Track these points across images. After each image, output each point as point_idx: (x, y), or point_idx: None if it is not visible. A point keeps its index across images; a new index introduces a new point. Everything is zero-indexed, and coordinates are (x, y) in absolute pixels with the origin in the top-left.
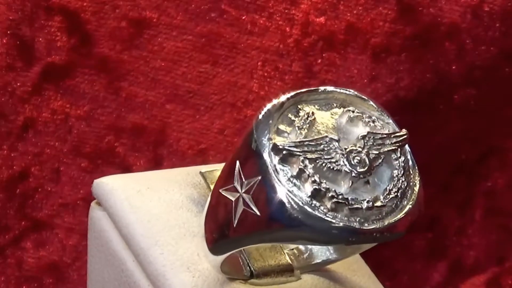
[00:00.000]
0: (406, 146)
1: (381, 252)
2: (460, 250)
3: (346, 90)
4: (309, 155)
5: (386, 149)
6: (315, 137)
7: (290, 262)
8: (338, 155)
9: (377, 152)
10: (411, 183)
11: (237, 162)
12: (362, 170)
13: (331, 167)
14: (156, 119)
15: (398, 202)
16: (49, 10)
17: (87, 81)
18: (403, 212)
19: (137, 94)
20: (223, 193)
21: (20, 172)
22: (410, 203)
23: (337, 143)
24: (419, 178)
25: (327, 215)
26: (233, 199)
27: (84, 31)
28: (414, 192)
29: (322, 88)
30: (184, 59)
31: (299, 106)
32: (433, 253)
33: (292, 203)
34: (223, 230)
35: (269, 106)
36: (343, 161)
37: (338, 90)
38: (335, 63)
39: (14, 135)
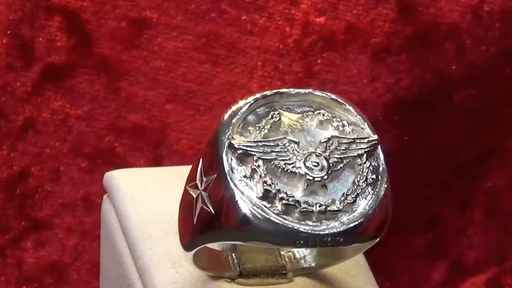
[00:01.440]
0: (379, 151)
1: (381, 252)
2: (460, 250)
3: (323, 93)
4: (264, 156)
5: (350, 154)
6: (273, 138)
7: (284, 264)
8: (295, 157)
9: (340, 156)
10: (376, 190)
11: (200, 160)
12: (318, 173)
13: (286, 169)
14: (156, 119)
15: (356, 208)
16: (49, 10)
17: (87, 81)
18: (360, 218)
19: (137, 94)
20: (188, 190)
21: (20, 172)
22: (371, 209)
23: (296, 145)
24: (386, 186)
25: (277, 216)
26: (194, 196)
27: (84, 31)
28: (379, 198)
29: (297, 90)
30: (184, 59)
31: (269, 107)
32: (433, 253)
33: (243, 203)
34: (187, 227)
35: (236, 106)
36: (299, 164)
37: (315, 92)
38: (335, 63)
39: (14, 135)
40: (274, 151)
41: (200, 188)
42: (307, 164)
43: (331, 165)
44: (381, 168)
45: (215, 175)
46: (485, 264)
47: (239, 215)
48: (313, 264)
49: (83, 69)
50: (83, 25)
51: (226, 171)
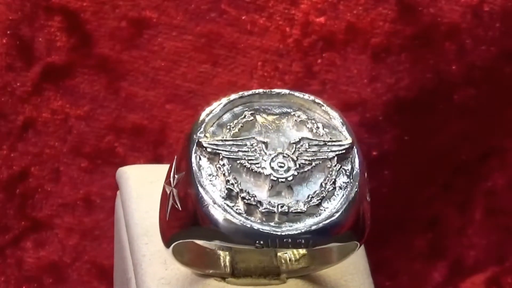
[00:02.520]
0: (356, 155)
1: (381, 252)
2: (460, 250)
3: (303, 95)
4: (229, 155)
5: (320, 156)
6: (241, 137)
7: (278, 265)
8: (261, 158)
9: (309, 158)
10: (346, 194)
11: (175, 157)
12: (283, 174)
13: (251, 169)
14: (156, 119)
15: (322, 211)
16: (49, 10)
17: (87, 81)
18: (324, 221)
19: (137, 94)
20: (165, 186)
21: (20, 172)
22: (337, 213)
23: (264, 146)
24: (357, 190)
25: (238, 216)
26: (168, 192)
27: (84, 31)
28: (347, 202)
29: (277, 90)
30: (184, 59)
31: (247, 107)
32: (433, 253)
33: (205, 201)
34: (162, 223)
35: (213, 105)
36: (265, 164)
37: (295, 94)
38: (335, 63)
39: (14, 135)
40: (241, 151)
41: (172, 185)
42: (273, 164)
43: (298, 166)
44: (355, 172)
45: (184, 173)
46: (485, 264)
47: (202, 213)
48: (307, 267)
49: (83, 69)
50: (83, 25)
51: (193, 169)
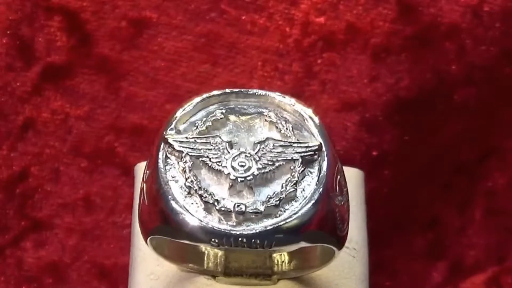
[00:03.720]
0: (325, 157)
1: (381, 252)
2: (460, 250)
3: (280, 95)
4: (192, 152)
5: (284, 157)
6: (207, 135)
7: (270, 266)
8: (223, 156)
9: (273, 159)
10: (308, 196)
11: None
12: (242, 173)
13: (213, 167)
14: (156, 119)
15: (281, 212)
16: (49, 10)
17: (87, 81)
18: (281, 222)
19: (137, 94)
20: (141, 182)
21: (19, 172)
22: (295, 215)
23: (227, 144)
24: (321, 192)
25: (195, 213)
26: (140, 187)
27: (84, 31)
28: (309, 205)
29: (255, 90)
30: (184, 59)
31: (222, 106)
32: (433, 253)
33: (166, 198)
34: (138, 218)
35: (189, 102)
36: (226, 163)
37: (271, 94)
38: (335, 63)
39: (14, 135)
40: (204, 149)
41: (144, 180)
42: (233, 163)
43: (260, 166)
44: (321, 174)
45: (152, 169)
46: (485, 264)
47: (163, 209)
48: (298, 269)
49: (83, 69)
50: (83, 25)
51: (158, 165)
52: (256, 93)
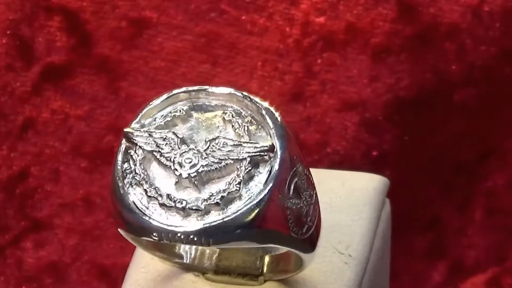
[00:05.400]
0: (277, 159)
1: None
2: (460, 250)
3: (244, 95)
4: (145, 146)
5: (233, 156)
6: (161, 130)
7: (259, 267)
8: (173, 152)
9: (221, 157)
10: (254, 196)
11: None
12: (187, 170)
13: (162, 162)
14: None
15: (222, 210)
16: (49, 10)
17: (87, 81)
18: (219, 220)
19: (137, 94)
20: None
21: (19, 172)
22: (235, 214)
23: (179, 140)
24: (267, 193)
25: (138, 207)
26: None
27: (84, 31)
28: (252, 205)
29: (221, 88)
30: (184, 59)
31: (190, 103)
32: (433, 253)
33: (118, 189)
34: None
35: (156, 98)
36: (174, 159)
37: (237, 93)
38: (335, 63)
39: (14, 135)
40: (157, 143)
41: None
42: (180, 159)
43: (205, 163)
44: (271, 175)
45: (114, 160)
46: (485, 264)
47: (113, 201)
48: (286, 270)
49: (83, 69)
50: (83, 25)
51: (117, 156)
52: (224, 92)
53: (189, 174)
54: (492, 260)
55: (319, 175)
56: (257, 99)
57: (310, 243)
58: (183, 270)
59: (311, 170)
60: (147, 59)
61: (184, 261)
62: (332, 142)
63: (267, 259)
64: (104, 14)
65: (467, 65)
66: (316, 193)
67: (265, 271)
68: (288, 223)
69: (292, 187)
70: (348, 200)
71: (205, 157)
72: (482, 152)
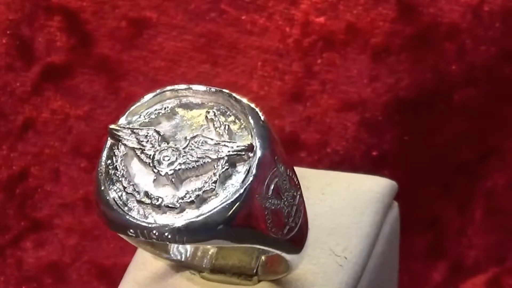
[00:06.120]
0: (256, 159)
1: None
2: (460, 250)
3: (229, 94)
4: (127, 142)
5: (210, 155)
6: (142, 127)
7: (254, 267)
8: (153, 149)
9: (199, 156)
10: (230, 195)
11: None
12: (164, 167)
13: (142, 159)
14: None
15: (196, 209)
16: (49, 10)
17: (87, 81)
18: (193, 218)
19: (137, 94)
20: None
21: (19, 172)
22: (210, 213)
23: (159, 138)
24: (243, 193)
25: (118, 204)
26: None
27: (84, 31)
28: (224, 204)
29: (208, 87)
30: (184, 59)
31: (178, 100)
32: (433, 253)
33: (99, 184)
34: None
35: (147, 95)
36: (154, 156)
37: (225, 91)
38: (335, 63)
39: (14, 135)
40: (138, 140)
41: None
42: (159, 157)
43: (183, 161)
44: (249, 175)
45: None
46: (485, 264)
47: (95, 197)
48: (278, 271)
49: (83, 69)
50: (82, 25)
51: (103, 152)
52: (210, 90)
53: (166, 172)
54: (492, 260)
55: (326, 177)
56: (241, 99)
57: (294, 244)
58: (180, 268)
59: (315, 171)
60: (147, 59)
61: (180, 259)
62: (332, 142)
63: (263, 259)
64: (104, 14)
65: (467, 65)
66: (301, 194)
67: (259, 271)
68: (267, 223)
69: (271, 187)
70: (351, 202)
71: (184, 155)
72: (482, 152)
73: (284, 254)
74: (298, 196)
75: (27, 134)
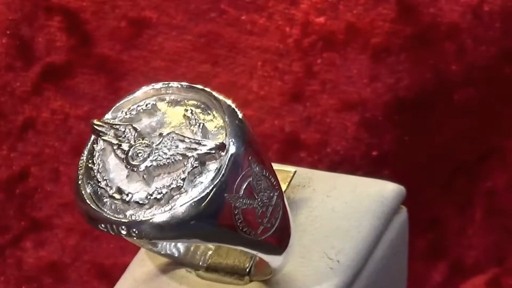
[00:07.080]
0: (227, 159)
1: None
2: (460, 250)
3: (211, 93)
4: (105, 137)
5: (181, 153)
6: (121, 123)
7: (246, 267)
8: (128, 144)
9: (170, 153)
10: (198, 193)
11: None
12: (137, 164)
13: (118, 154)
14: None
15: (164, 205)
16: (49, 10)
17: (87, 81)
18: (159, 215)
19: None
20: None
21: (19, 172)
22: (175, 210)
23: (135, 134)
24: (211, 191)
25: (93, 198)
26: None
27: (84, 31)
28: (191, 202)
29: (193, 85)
30: (184, 59)
31: (162, 97)
32: (433, 253)
33: (77, 181)
34: None
35: (133, 92)
36: (127, 152)
37: (207, 90)
38: (335, 63)
39: (14, 135)
40: (117, 135)
41: None
42: (133, 153)
43: (154, 158)
44: (218, 174)
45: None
46: (485, 264)
47: (73, 191)
48: (270, 272)
49: (83, 69)
50: (82, 25)
51: (86, 147)
52: (192, 88)
53: (139, 168)
54: (492, 260)
55: (333, 179)
56: (220, 97)
57: (271, 246)
58: (178, 266)
59: (324, 173)
60: (147, 59)
61: (177, 256)
62: (332, 142)
63: (256, 259)
64: (104, 14)
65: (467, 65)
66: (279, 196)
67: (252, 271)
68: (237, 222)
69: (243, 187)
70: (354, 206)
71: (156, 152)
72: (482, 152)
73: (261, 255)
74: (275, 197)
75: (27, 134)
